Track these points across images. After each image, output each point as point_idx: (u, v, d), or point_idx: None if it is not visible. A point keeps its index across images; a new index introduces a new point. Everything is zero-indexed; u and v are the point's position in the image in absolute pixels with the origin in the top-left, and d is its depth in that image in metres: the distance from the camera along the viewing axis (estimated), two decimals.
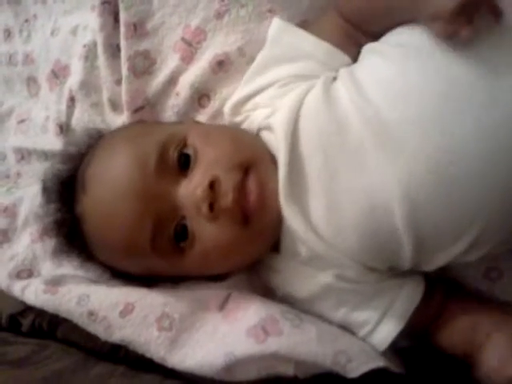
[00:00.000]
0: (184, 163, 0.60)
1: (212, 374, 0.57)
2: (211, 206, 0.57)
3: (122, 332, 0.61)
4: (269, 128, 0.63)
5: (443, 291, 0.63)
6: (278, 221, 0.60)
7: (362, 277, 0.60)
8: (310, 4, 0.69)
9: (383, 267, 0.60)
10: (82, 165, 0.65)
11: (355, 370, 0.54)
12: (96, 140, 0.69)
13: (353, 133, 0.56)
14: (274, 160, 0.61)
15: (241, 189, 0.58)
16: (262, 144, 0.63)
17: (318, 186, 0.58)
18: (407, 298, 0.60)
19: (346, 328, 0.62)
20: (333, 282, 0.60)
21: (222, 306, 0.62)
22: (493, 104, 0.52)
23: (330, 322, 0.62)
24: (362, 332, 0.61)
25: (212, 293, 0.64)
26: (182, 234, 0.59)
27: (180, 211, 0.59)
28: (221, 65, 0.70)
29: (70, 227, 0.65)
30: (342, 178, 0.56)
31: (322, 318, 0.62)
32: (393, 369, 0.57)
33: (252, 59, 0.68)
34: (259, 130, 0.65)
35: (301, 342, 0.56)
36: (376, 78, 0.58)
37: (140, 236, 0.59)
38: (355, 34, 0.65)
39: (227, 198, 0.57)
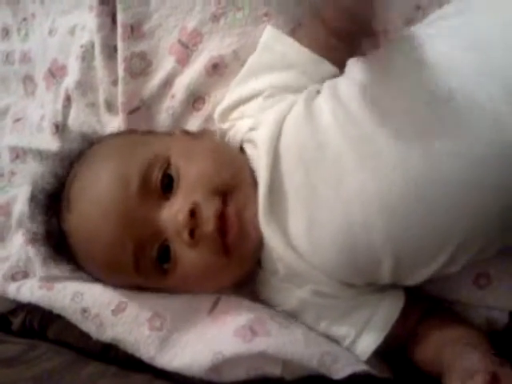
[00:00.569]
0: (167, 185, 0.60)
1: (200, 374, 0.57)
2: (192, 233, 0.57)
3: (114, 330, 0.62)
4: (252, 142, 0.63)
5: (422, 308, 0.63)
6: (259, 246, 0.61)
7: (339, 292, 0.60)
8: (304, 9, 0.69)
9: (361, 283, 0.60)
10: (69, 178, 0.65)
11: (340, 371, 0.55)
12: (89, 145, 0.69)
13: (332, 147, 0.56)
14: (254, 179, 0.61)
15: (221, 217, 0.58)
16: (244, 161, 0.63)
17: (298, 203, 0.58)
18: (386, 312, 0.61)
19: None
20: (309, 298, 0.61)
21: (211, 310, 0.62)
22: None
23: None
24: (344, 344, 0.61)
25: (202, 296, 0.64)
26: (164, 255, 0.60)
27: (163, 234, 0.59)
28: (216, 68, 0.70)
29: (57, 239, 0.65)
30: (320, 194, 0.57)
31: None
32: (379, 373, 0.57)
33: (246, 63, 0.68)
34: (242, 141, 0.65)
35: (288, 342, 0.57)
36: (358, 92, 0.58)
37: (122, 258, 0.59)
38: (339, 45, 0.64)
39: (208, 224, 0.57)
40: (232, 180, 0.60)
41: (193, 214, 0.57)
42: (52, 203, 0.66)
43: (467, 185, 0.53)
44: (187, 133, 0.71)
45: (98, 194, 0.60)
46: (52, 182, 0.68)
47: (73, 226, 0.63)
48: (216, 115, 0.69)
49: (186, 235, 0.57)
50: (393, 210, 0.54)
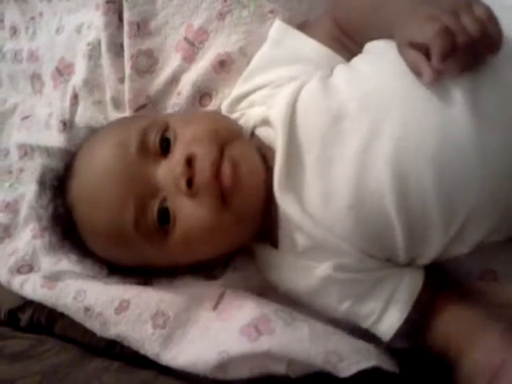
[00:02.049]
0: (165, 147, 0.61)
1: (205, 371, 0.57)
2: (190, 182, 0.57)
3: (118, 328, 0.62)
4: (266, 122, 0.63)
5: (437, 282, 0.62)
6: (260, 202, 0.61)
7: (361, 264, 0.59)
8: (310, 5, 0.69)
9: (381, 256, 0.60)
10: (74, 157, 0.66)
11: (346, 369, 0.54)
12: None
13: (349, 120, 0.56)
14: (262, 152, 0.62)
15: (218, 168, 0.58)
16: (242, 127, 0.65)
17: (314, 174, 0.58)
18: (409, 285, 0.60)
19: (349, 321, 0.62)
20: (332, 274, 0.60)
21: (216, 305, 0.62)
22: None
23: (332, 316, 0.62)
24: (368, 323, 0.60)
25: (206, 291, 0.64)
26: (164, 216, 0.60)
27: (161, 192, 0.59)
28: (223, 65, 0.71)
29: (65, 221, 0.65)
30: (336, 164, 0.57)
31: (322, 314, 0.62)
32: (386, 367, 0.56)
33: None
34: (255, 127, 0.65)
35: (293, 340, 0.56)
36: (371, 69, 0.58)
37: (124, 218, 0.59)
38: (348, 41, 0.65)
39: (204, 173, 0.57)
40: (229, 135, 0.61)
41: (189, 163, 0.57)
42: (59, 185, 0.67)
43: (487, 147, 0.52)
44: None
45: (98, 159, 0.62)
46: (61, 166, 0.68)
47: (75, 194, 0.63)
48: (223, 107, 0.70)
49: (183, 184, 0.57)
50: (405, 177, 0.54)
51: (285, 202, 0.59)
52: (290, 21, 0.69)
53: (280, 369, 0.56)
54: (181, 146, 0.60)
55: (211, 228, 0.59)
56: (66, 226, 0.66)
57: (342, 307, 0.61)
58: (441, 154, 0.53)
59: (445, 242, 0.57)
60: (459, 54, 0.50)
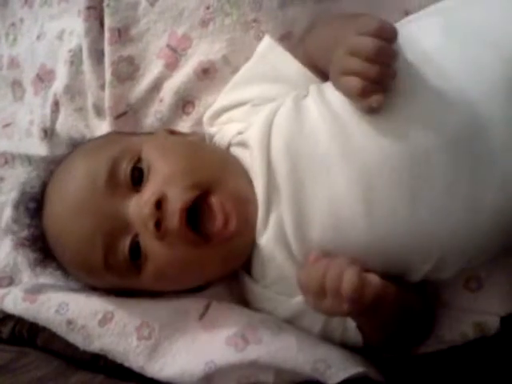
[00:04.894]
0: (138, 178, 0.59)
1: (192, 383, 0.56)
2: (158, 224, 0.55)
3: (101, 341, 0.61)
4: (242, 144, 0.62)
5: None
6: (248, 242, 0.60)
7: None
8: (293, 15, 0.69)
9: None
10: (49, 179, 0.65)
11: (334, 376, 0.54)
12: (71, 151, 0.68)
13: (320, 146, 0.56)
14: (245, 175, 0.61)
15: (207, 210, 0.56)
16: (230, 159, 0.63)
17: (288, 199, 0.57)
18: None
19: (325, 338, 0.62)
20: (303, 308, 0.59)
21: (201, 316, 0.62)
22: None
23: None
24: (338, 336, 0.61)
25: (192, 302, 0.64)
26: (136, 252, 0.58)
27: (133, 228, 0.58)
28: (206, 72, 0.70)
29: (42, 242, 0.65)
30: (308, 189, 0.56)
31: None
32: (372, 375, 0.57)
33: (237, 69, 0.69)
34: (230, 145, 0.64)
35: (280, 349, 0.56)
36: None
37: (92, 254, 0.58)
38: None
39: (173, 219, 0.55)
40: (213, 176, 0.59)
41: (159, 205, 0.55)
42: (37, 207, 0.66)
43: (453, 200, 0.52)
44: (172, 132, 0.70)
45: (67, 190, 0.61)
46: (37, 186, 0.67)
47: (46, 223, 0.63)
48: (204, 119, 0.69)
49: (151, 227, 0.55)
50: (379, 207, 0.54)
51: (263, 242, 0.59)
52: (273, 31, 0.68)
53: (268, 378, 0.56)
54: (153, 183, 0.57)
55: (185, 267, 0.58)
56: (43, 247, 0.65)
57: (315, 329, 0.61)
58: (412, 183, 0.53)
59: (423, 272, 0.57)
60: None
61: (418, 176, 0.53)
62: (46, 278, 0.70)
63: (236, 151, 0.64)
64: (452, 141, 0.52)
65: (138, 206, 0.57)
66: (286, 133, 0.58)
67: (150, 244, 0.57)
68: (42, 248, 0.66)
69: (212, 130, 0.68)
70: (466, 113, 0.52)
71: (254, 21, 0.69)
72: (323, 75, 0.63)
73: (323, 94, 0.59)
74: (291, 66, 0.65)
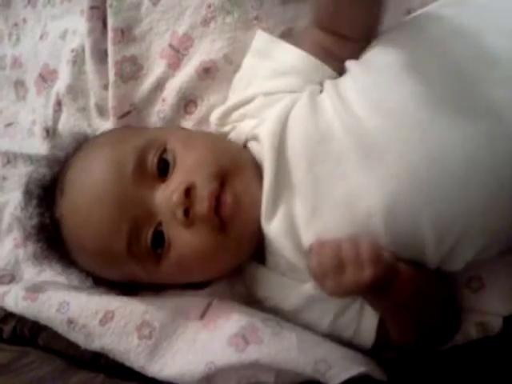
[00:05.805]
0: (163, 169, 0.60)
1: (192, 383, 0.56)
2: (187, 212, 0.56)
3: (102, 340, 0.61)
4: (256, 138, 0.63)
5: None
6: (256, 231, 0.60)
7: None
8: (294, 12, 0.69)
9: None
10: (63, 169, 0.65)
11: (336, 377, 0.54)
12: (81, 144, 0.69)
13: (336, 142, 0.56)
14: (258, 169, 0.61)
15: (217, 197, 0.57)
16: (245, 153, 0.63)
17: (302, 195, 0.58)
18: None
19: (332, 335, 0.61)
20: (314, 293, 0.60)
21: (202, 315, 0.62)
22: (470, 108, 0.53)
23: (315, 331, 0.61)
24: (349, 332, 0.61)
25: (193, 301, 0.64)
26: (158, 240, 0.59)
27: (157, 217, 0.59)
28: (208, 72, 0.70)
29: (50, 232, 0.65)
30: (324, 187, 0.56)
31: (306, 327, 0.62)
32: (374, 375, 0.56)
33: (238, 67, 0.69)
34: (247, 140, 0.64)
35: (281, 350, 0.56)
36: (357, 88, 0.58)
37: (116, 241, 0.59)
38: (338, 48, 0.63)
39: (202, 204, 0.56)
40: (231, 165, 0.60)
41: (188, 193, 0.56)
42: (46, 194, 0.66)
43: (474, 175, 0.52)
44: (184, 129, 0.71)
45: (93, 178, 0.61)
46: (47, 176, 0.68)
47: (66, 212, 0.62)
48: (213, 119, 0.69)
49: (180, 214, 0.56)
50: (396, 199, 0.54)
51: (270, 231, 0.59)
52: (274, 28, 0.68)
53: (269, 379, 0.56)
54: (180, 173, 0.59)
55: (206, 255, 0.59)
56: (50, 237, 0.65)
57: (325, 322, 0.61)
58: (430, 177, 0.53)
59: (435, 261, 0.56)
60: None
61: (437, 176, 0.53)
62: (47, 274, 0.70)
63: (252, 145, 0.64)
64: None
65: (166, 195, 0.58)
66: (301, 130, 0.59)
67: (175, 232, 0.58)
68: (47, 238, 0.66)
69: (225, 128, 0.68)
70: None
71: (255, 18, 0.69)
72: (332, 58, 0.63)
73: (338, 91, 0.59)
74: (298, 56, 0.64)
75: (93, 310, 0.62)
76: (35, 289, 0.67)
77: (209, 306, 0.63)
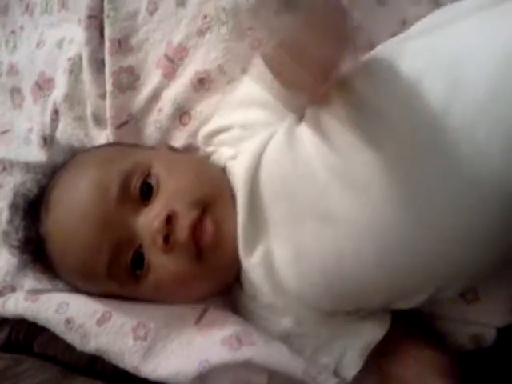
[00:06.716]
0: (146, 193, 0.61)
1: (186, 382, 0.57)
2: (167, 239, 0.57)
3: (98, 340, 0.61)
4: (230, 172, 0.63)
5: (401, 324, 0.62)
6: (235, 260, 0.61)
7: (322, 322, 0.60)
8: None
9: (350, 309, 0.60)
10: (50, 185, 0.66)
11: (326, 381, 0.55)
12: (69, 160, 0.69)
13: (317, 178, 0.55)
14: (235, 199, 0.61)
15: (197, 226, 0.58)
16: (226, 180, 0.64)
17: (282, 234, 0.58)
18: (367, 338, 0.60)
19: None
20: (292, 329, 0.60)
21: (198, 319, 0.62)
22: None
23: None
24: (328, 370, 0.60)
25: (189, 307, 0.64)
26: (138, 262, 0.60)
27: (138, 240, 0.60)
28: (202, 82, 0.71)
29: (35, 246, 0.65)
30: (307, 225, 0.56)
31: None
32: None
33: (232, 79, 0.69)
34: (225, 167, 0.65)
35: (274, 352, 0.57)
36: (338, 122, 0.56)
37: (97, 261, 0.59)
38: None
39: (182, 233, 0.57)
40: (212, 194, 0.61)
41: (169, 220, 0.57)
42: (32, 210, 0.66)
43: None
44: (172, 148, 0.71)
45: (76, 198, 0.61)
46: (34, 189, 0.68)
47: (49, 229, 0.63)
48: (200, 137, 0.70)
49: (160, 240, 0.57)
50: (386, 238, 0.53)
51: (249, 268, 0.60)
52: (269, 38, 0.68)
53: (261, 381, 0.57)
54: (163, 199, 0.60)
55: (183, 281, 0.60)
56: (36, 250, 0.65)
57: (305, 355, 0.60)
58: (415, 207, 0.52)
59: (428, 294, 0.56)
60: None
61: (421, 205, 0.51)
62: (36, 280, 0.70)
63: (229, 176, 0.64)
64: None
65: (148, 220, 0.59)
66: (277, 168, 0.58)
67: (155, 256, 0.59)
68: (33, 251, 0.66)
69: (209, 149, 0.69)
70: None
71: (250, 29, 0.69)
72: None
73: (318, 121, 0.57)
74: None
75: (91, 309, 0.63)
76: (36, 291, 0.68)
77: (205, 311, 0.63)
